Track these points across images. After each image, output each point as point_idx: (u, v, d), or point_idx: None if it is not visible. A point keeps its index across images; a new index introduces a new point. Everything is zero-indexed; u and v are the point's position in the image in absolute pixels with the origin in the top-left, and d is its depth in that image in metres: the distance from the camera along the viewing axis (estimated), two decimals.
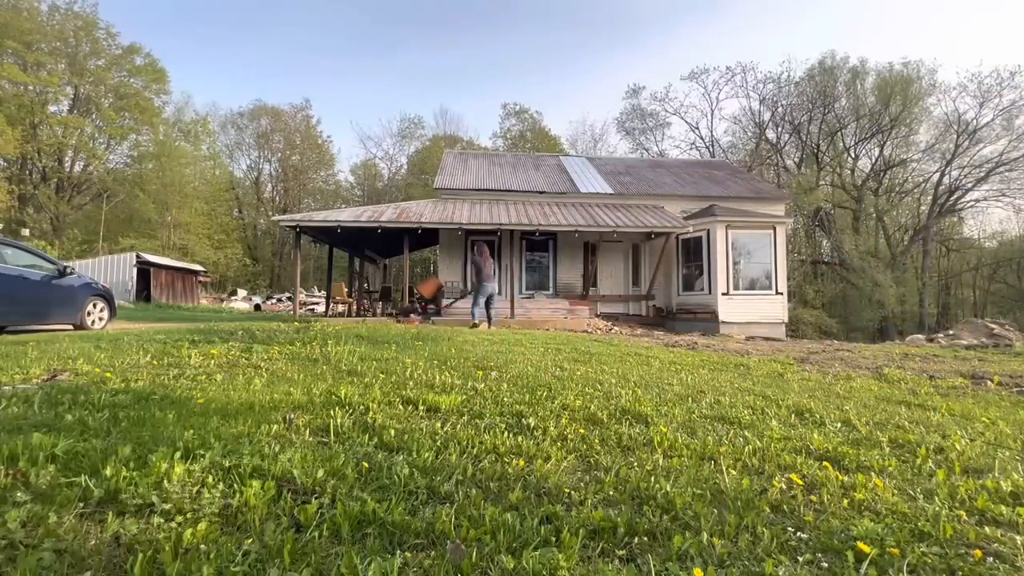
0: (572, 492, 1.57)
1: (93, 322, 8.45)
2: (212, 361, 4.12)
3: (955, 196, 32.41)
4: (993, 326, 12.15)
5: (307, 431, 2.08)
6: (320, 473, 1.57)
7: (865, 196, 33.56)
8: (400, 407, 2.56)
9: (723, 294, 13.89)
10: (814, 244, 34.06)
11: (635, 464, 1.87)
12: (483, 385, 3.27)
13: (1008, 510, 1.57)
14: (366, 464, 1.70)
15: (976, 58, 67.42)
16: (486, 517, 1.35)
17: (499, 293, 15.22)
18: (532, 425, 2.32)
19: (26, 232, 23.74)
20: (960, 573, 1.21)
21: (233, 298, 31.64)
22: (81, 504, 1.32)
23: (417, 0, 72.76)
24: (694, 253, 14.79)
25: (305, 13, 73.22)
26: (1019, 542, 1.36)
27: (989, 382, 4.79)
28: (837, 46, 66.74)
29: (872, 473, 1.89)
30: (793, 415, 2.88)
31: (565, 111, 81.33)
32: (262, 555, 1.14)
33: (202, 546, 1.14)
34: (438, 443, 1.99)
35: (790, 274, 22.14)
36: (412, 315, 13.28)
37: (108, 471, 1.47)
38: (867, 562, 1.22)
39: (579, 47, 74.52)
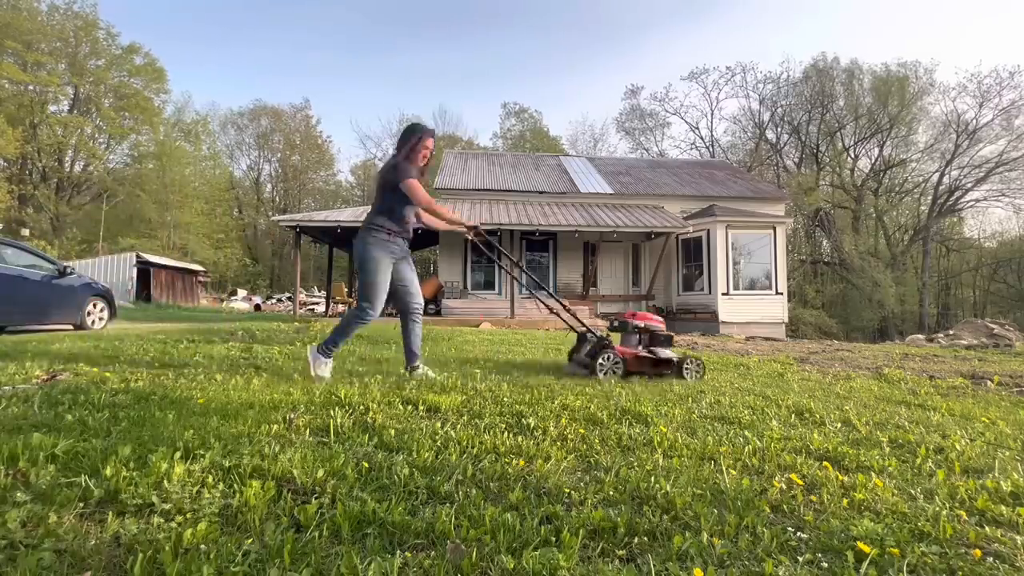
0: (572, 492, 1.57)
1: (93, 322, 8.45)
2: (212, 361, 4.12)
3: (955, 196, 32.43)
4: (993, 326, 12.15)
5: (307, 431, 2.08)
6: (320, 473, 1.57)
7: (865, 196, 33.58)
8: (400, 407, 2.56)
9: (723, 294, 13.90)
10: (814, 244, 34.07)
11: (635, 464, 1.87)
12: (483, 385, 3.27)
13: (1008, 510, 1.57)
14: (366, 464, 1.70)
15: (975, 59, 67.43)
16: (486, 517, 1.35)
17: (499, 293, 15.24)
18: (532, 425, 2.32)
19: (26, 232, 23.74)
20: (960, 573, 1.21)
21: (233, 298, 31.61)
22: (81, 504, 1.32)
23: (417, 0, 72.81)
24: (694, 253, 14.79)
25: (305, 13, 73.27)
26: (1019, 542, 1.36)
27: (989, 382, 4.79)
28: (837, 46, 66.85)
29: (872, 473, 1.89)
30: (793, 415, 2.88)
31: (565, 111, 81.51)
32: (262, 555, 1.13)
33: (202, 546, 1.14)
34: (438, 443, 1.99)
35: (790, 274, 22.13)
36: None
37: (108, 471, 1.47)
38: (867, 562, 1.22)
39: (579, 47, 74.58)
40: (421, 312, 3.62)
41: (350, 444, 1.93)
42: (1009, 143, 29.79)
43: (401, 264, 3.51)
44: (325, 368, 3.38)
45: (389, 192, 3.37)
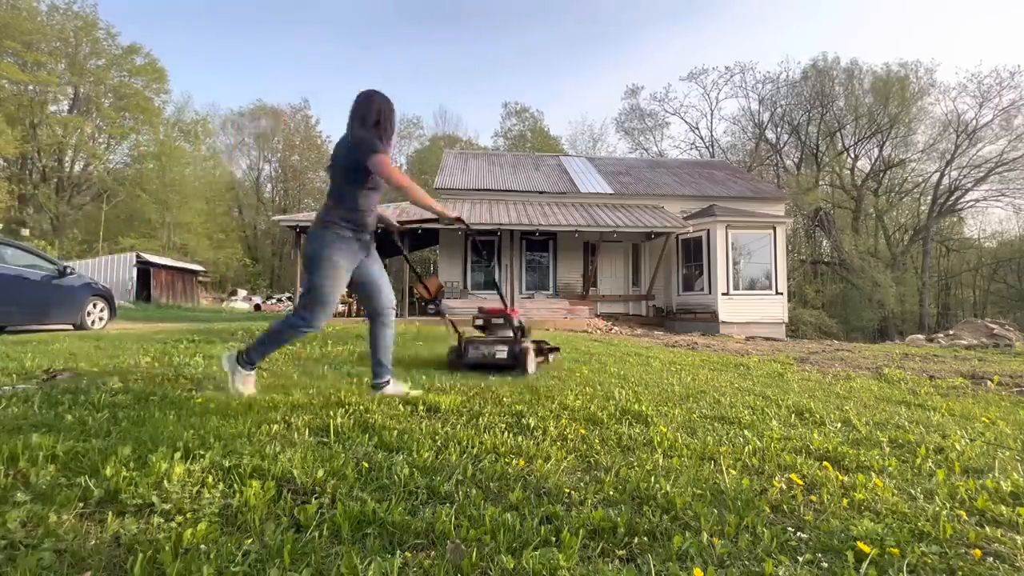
0: (572, 492, 1.57)
1: (93, 322, 8.45)
2: (213, 362, 4.12)
3: (955, 196, 32.41)
4: (993, 326, 12.15)
5: (307, 431, 2.08)
6: (320, 473, 1.57)
7: (865, 196, 33.57)
8: (400, 407, 2.56)
9: (723, 294, 13.90)
10: (814, 244, 34.04)
11: (635, 464, 1.86)
12: (483, 385, 3.27)
13: (1008, 510, 1.57)
14: (366, 464, 1.70)
15: (975, 59, 67.44)
16: (486, 517, 1.34)
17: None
18: (532, 425, 2.32)
19: (26, 232, 23.72)
20: (960, 573, 1.21)
21: (233, 298, 31.64)
22: (81, 504, 1.32)
23: (417, 0, 72.89)
24: (694, 253, 14.79)
25: (305, 13, 73.33)
26: (1019, 542, 1.36)
27: (989, 382, 4.79)
28: (837, 46, 66.81)
29: (872, 473, 1.89)
30: (793, 415, 2.88)
31: (565, 111, 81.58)
32: (262, 555, 1.13)
33: (202, 546, 1.14)
34: (438, 443, 1.99)
35: (790, 274, 22.14)
36: None
37: (108, 471, 1.47)
38: (867, 562, 1.22)
39: (579, 47, 74.63)
40: (394, 315, 3.02)
41: (350, 444, 1.93)
42: (1009, 143, 29.77)
43: (367, 262, 2.91)
44: (247, 383, 2.75)
45: (352, 174, 2.70)
